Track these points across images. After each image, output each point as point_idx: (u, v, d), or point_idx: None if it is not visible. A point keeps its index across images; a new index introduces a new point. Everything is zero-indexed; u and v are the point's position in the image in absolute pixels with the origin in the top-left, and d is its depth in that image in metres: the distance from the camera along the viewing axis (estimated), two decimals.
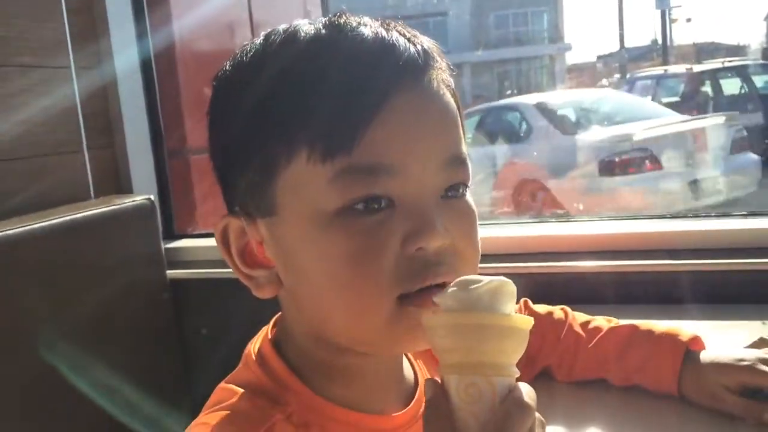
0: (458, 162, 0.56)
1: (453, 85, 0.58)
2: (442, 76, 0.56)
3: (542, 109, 5.53)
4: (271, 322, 0.64)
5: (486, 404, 0.46)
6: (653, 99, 8.03)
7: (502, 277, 0.48)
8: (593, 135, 5.19)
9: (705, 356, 0.79)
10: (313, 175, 0.52)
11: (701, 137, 4.98)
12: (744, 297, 1.16)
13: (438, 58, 0.57)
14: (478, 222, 0.59)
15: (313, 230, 0.53)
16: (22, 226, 1.13)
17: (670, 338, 0.80)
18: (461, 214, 0.56)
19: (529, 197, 4.96)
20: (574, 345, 0.86)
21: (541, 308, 0.92)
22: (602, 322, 0.87)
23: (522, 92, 16.05)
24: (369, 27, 0.55)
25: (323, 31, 0.55)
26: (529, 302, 0.93)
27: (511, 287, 0.48)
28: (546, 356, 0.88)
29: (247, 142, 0.55)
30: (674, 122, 5.25)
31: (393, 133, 0.52)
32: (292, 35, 0.55)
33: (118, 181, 1.50)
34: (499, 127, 5.80)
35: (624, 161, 4.72)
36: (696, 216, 1.35)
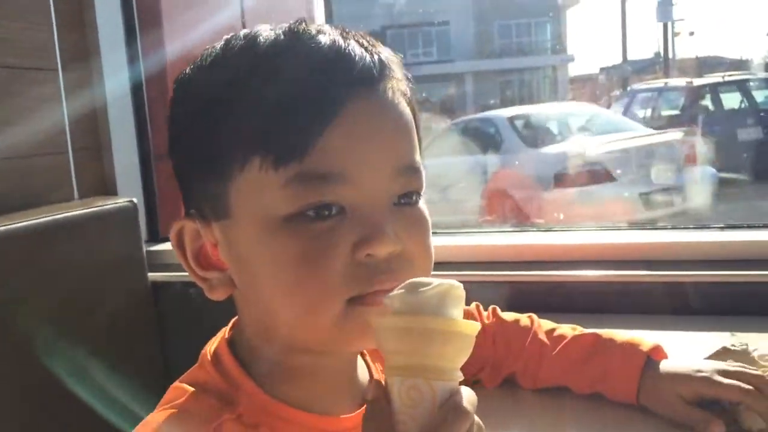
0: (411, 170, 0.57)
1: (410, 95, 0.60)
2: (398, 86, 0.58)
3: (513, 122, 5.99)
4: (230, 324, 0.65)
5: (426, 408, 0.46)
6: (653, 112, 8.08)
7: (451, 281, 0.49)
8: (553, 148, 5.60)
9: (665, 366, 0.79)
10: (266, 181, 0.53)
11: (658, 151, 5.30)
12: (717, 308, 1.17)
13: (395, 69, 0.58)
14: (431, 229, 0.60)
15: (265, 235, 0.54)
16: (2, 226, 1.14)
17: (631, 347, 0.81)
18: (414, 221, 0.57)
19: (501, 207, 5.28)
20: (539, 352, 0.87)
21: (509, 316, 0.93)
22: (567, 330, 0.88)
23: (524, 102, 16.08)
24: (327, 35, 0.56)
25: (281, 38, 0.56)
26: (498, 310, 0.94)
27: (460, 291, 0.49)
28: (511, 363, 0.89)
29: (203, 147, 0.57)
30: (631, 137, 5.61)
31: (345, 141, 0.53)
32: (251, 41, 0.57)
33: (103, 184, 1.51)
34: (478, 138, 6.19)
35: (577, 174, 5.06)
36: (674, 228, 1.36)
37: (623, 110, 8.44)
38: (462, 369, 0.87)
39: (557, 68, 18.04)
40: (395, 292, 0.49)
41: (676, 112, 8.05)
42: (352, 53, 0.55)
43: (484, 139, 6.06)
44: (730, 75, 8.82)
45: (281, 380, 0.59)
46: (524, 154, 5.58)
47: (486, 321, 0.91)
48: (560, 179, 5.06)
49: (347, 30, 0.58)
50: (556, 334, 0.88)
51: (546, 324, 0.90)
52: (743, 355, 0.84)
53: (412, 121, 0.59)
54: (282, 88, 0.53)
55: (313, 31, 0.56)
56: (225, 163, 0.55)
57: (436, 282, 0.48)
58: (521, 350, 0.88)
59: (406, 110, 0.58)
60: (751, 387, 0.73)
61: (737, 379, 0.74)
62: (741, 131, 7.29)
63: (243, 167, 0.54)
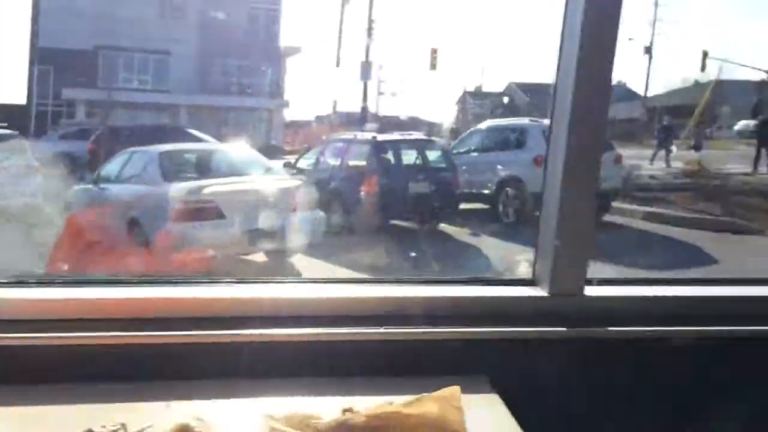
0: None
1: None
2: None
3: (162, 157, 6.41)
4: None
5: None
6: (342, 161, 8.68)
7: None
8: (181, 185, 6.02)
9: None
10: None
11: (277, 195, 6.01)
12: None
13: None
14: None
15: None
16: None
17: None
18: None
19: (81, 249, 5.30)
20: None
21: None
22: None
23: (238, 139, 16.13)
24: None
25: None
26: None
27: None
28: None
29: None
30: (252, 180, 6.35)
31: None
32: None
33: None
34: (132, 170, 6.42)
35: (191, 209, 5.57)
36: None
37: (316, 158, 8.94)
38: None
39: (273, 111, 18.52)
40: None
41: (362, 162, 8.74)
42: None
43: (136, 171, 6.24)
44: (409, 134, 9.96)
45: None
46: (159, 188, 5.90)
47: None
48: (178, 214, 5.43)
49: None
50: None
51: None
52: None
53: None
54: None
55: None
56: None
57: None
58: None
59: None
60: None
61: None
62: (412, 185, 8.23)
63: None
